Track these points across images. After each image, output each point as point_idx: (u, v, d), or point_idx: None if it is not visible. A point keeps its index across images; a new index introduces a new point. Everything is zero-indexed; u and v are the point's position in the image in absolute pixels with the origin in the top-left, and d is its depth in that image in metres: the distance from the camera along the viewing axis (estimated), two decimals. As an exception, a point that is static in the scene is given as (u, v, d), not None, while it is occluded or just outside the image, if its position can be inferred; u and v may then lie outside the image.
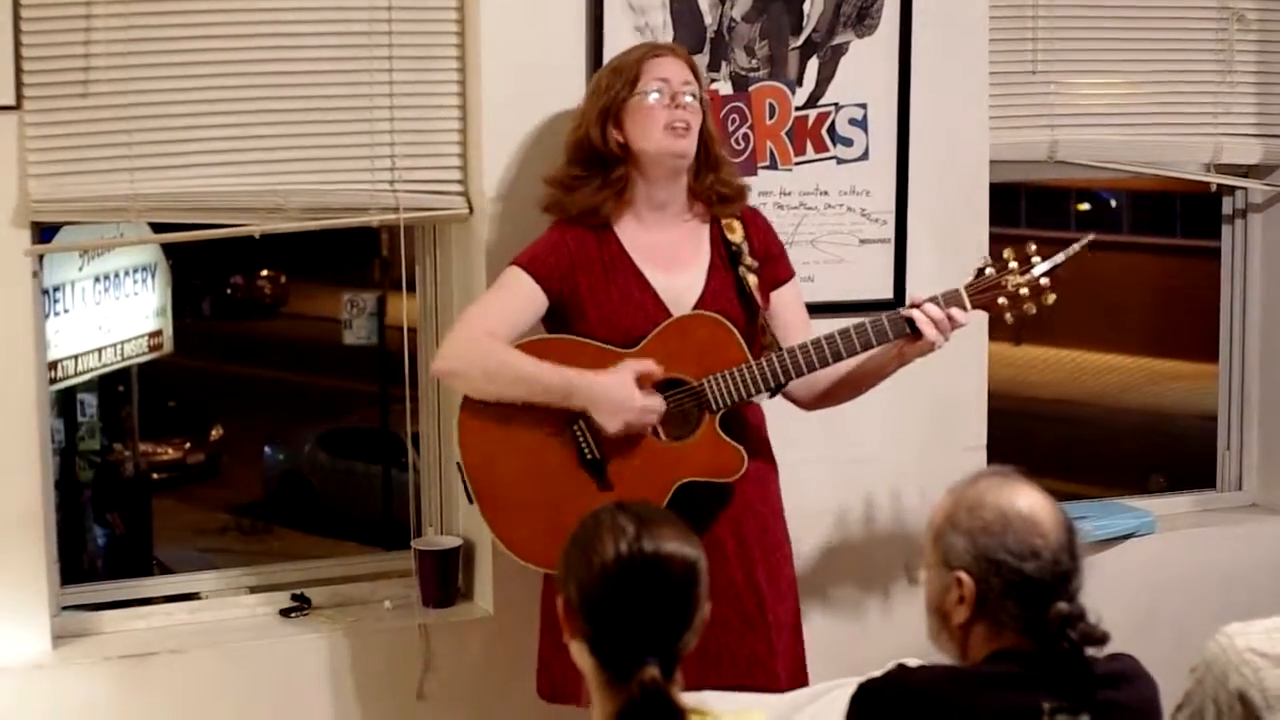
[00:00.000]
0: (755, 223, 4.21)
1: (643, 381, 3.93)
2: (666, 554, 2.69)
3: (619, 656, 2.66)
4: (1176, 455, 13.65)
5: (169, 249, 11.63)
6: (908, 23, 4.74)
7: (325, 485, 18.15)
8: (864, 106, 4.74)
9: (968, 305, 3.97)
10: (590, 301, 4.02)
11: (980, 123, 4.92)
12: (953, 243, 4.87)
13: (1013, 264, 3.96)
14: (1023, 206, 20.60)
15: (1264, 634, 3.08)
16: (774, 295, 4.18)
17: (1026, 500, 2.89)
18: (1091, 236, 4.04)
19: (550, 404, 3.95)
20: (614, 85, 4.04)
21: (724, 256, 4.11)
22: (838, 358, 3.98)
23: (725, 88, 4.59)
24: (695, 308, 4.04)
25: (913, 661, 3.10)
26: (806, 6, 4.64)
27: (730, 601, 4.03)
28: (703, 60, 4.52)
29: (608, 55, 4.40)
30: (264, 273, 26.80)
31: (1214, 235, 5.69)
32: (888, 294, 4.76)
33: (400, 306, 4.71)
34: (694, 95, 4.04)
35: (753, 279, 4.10)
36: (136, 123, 4.19)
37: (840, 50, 4.69)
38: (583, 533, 2.75)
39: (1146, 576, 5.20)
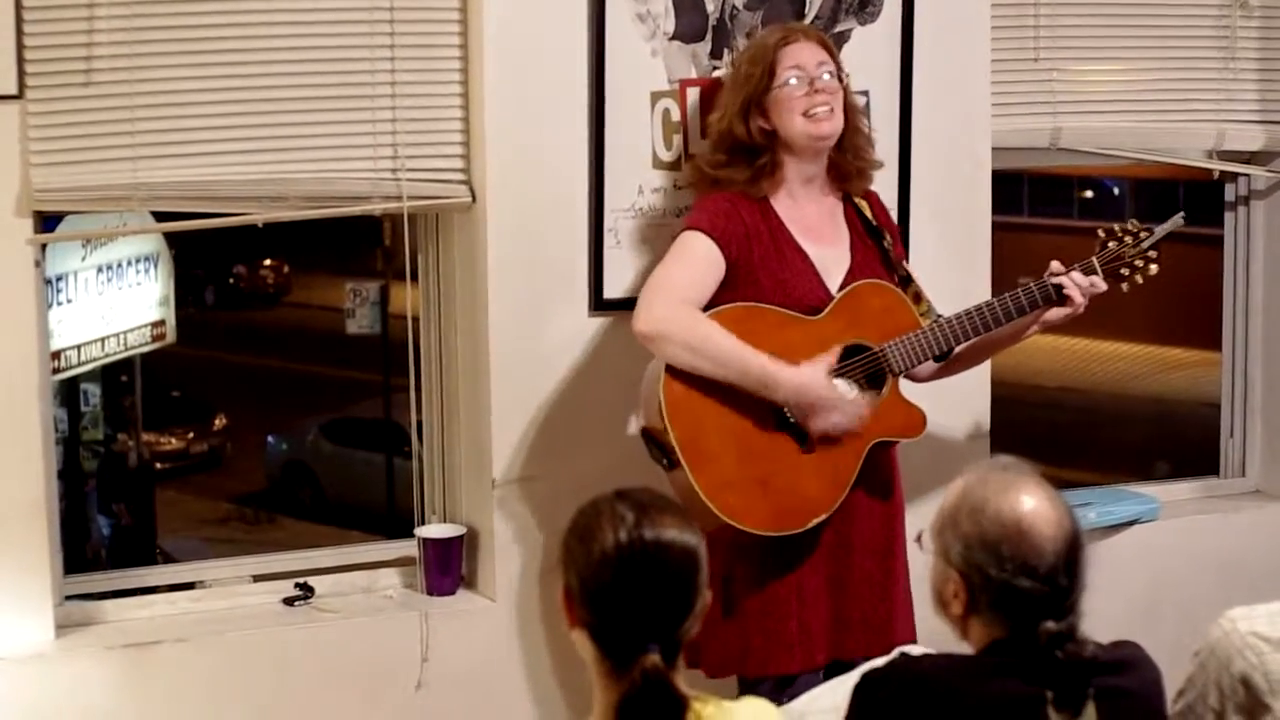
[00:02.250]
0: (878, 203, 4.38)
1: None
2: (666, 541, 2.68)
3: (620, 644, 2.66)
4: (1180, 442, 13.66)
5: (172, 238, 11.61)
6: (909, 10, 4.74)
7: (328, 474, 18.18)
8: (866, 94, 4.73)
9: (1100, 273, 4.23)
10: (764, 270, 4.12)
11: (982, 110, 4.92)
12: (955, 230, 4.88)
13: (1127, 237, 4.25)
14: (1025, 193, 20.59)
15: (1267, 618, 3.09)
16: None
17: (1029, 509, 2.84)
18: (1182, 214, 4.32)
19: (745, 388, 4.02)
20: (753, 76, 4.16)
21: (862, 233, 4.27)
22: (998, 323, 4.19)
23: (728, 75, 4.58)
24: (846, 279, 4.19)
25: (915, 650, 3.10)
26: (808, -6, 4.65)
27: (878, 560, 4.23)
28: (704, 49, 4.53)
29: (610, 42, 4.41)
30: (267, 262, 26.81)
31: (1217, 222, 5.68)
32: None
33: (403, 295, 4.71)
34: (830, 74, 4.16)
35: (891, 253, 4.28)
36: (139, 111, 4.19)
37: (842, 38, 4.69)
38: (582, 521, 2.75)
39: (1150, 563, 5.20)
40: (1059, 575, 2.83)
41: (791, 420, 4.07)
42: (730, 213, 4.14)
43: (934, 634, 3.12)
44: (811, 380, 4.02)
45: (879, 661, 3.06)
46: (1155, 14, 5.19)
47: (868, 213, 4.28)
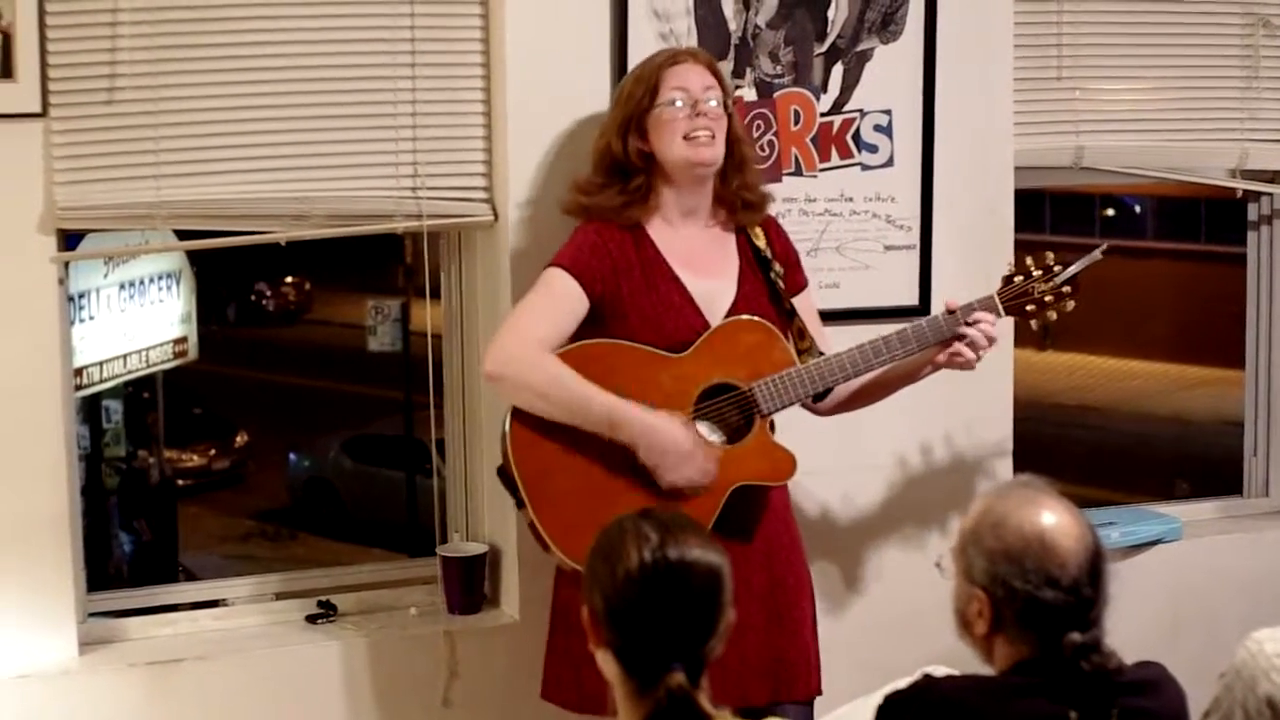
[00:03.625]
0: (776, 230, 4.25)
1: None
2: (691, 561, 2.69)
3: (645, 664, 2.66)
4: (1202, 461, 13.64)
5: (194, 255, 11.64)
6: (932, 28, 4.74)
7: (350, 492, 18.18)
8: (889, 113, 4.73)
9: (1001, 312, 4.09)
10: (631, 305, 4.01)
11: (1005, 128, 4.92)
12: (978, 249, 4.87)
13: (1036, 272, 4.11)
14: (1047, 212, 20.59)
15: (1292, 640, 3.08)
16: (793, 302, 4.19)
17: (1051, 523, 2.86)
18: (1105, 245, 4.21)
19: (595, 431, 3.91)
20: (635, 94, 4.06)
21: (752, 262, 4.13)
22: (882, 362, 4.04)
23: (750, 94, 4.59)
24: (729, 312, 4.04)
25: (939, 671, 3.10)
26: (831, 12, 4.64)
27: (759, 603, 4.06)
28: (727, 67, 4.52)
29: (632, 62, 4.40)
30: (288, 279, 26.85)
31: (1240, 241, 5.68)
32: (913, 300, 4.75)
33: (424, 313, 4.72)
34: (717, 100, 4.05)
35: (782, 285, 4.13)
36: (162, 130, 4.20)
37: (865, 56, 4.69)
38: (606, 541, 2.76)
39: (1173, 583, 5.18)
40: (1082, 586, 2.83)
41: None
42: (597, 247, 4.03)
43: (950, 656, 3.11)
44: (663, 425, 3.90)
45: (902, 683, 3.05)
46: (1178, 33, 5.18)
47: (760, 242, 4.15)
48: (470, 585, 4.58)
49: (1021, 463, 4.89)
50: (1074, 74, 5.06)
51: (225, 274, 22.64)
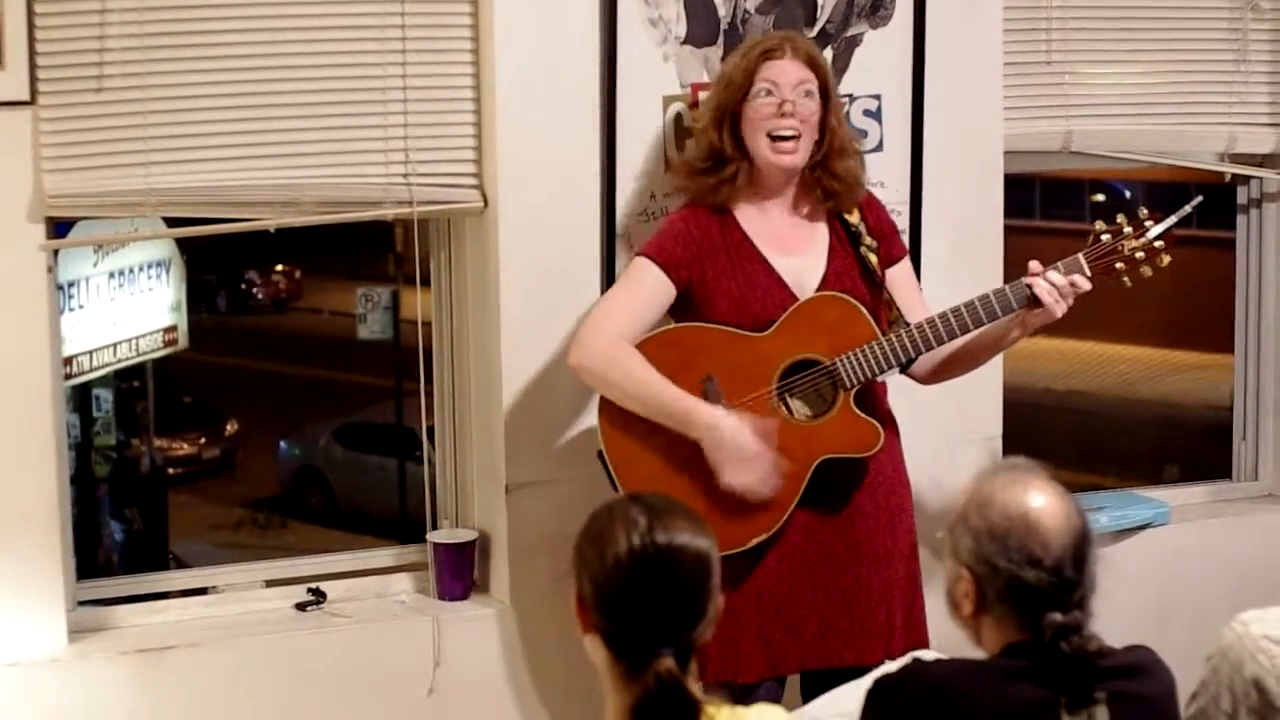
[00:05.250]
0: (870, 203, 4.29)
1: (763, 434, 3.98)
2: (679, 545, 2.68)
3: (633, 649, 2.65)
4: (1192, 446, 13.65)
5: (184, 244, 11.61)
6: (922, 13, 4.74)
7: (340, 479, 18.14)
8: (878, 98, 4.73)
9: (1088, 271, 4.05)
10: (718, 289, 4.08)
11: (995, 113, 4.92)
12: (967, 233, 4.87)
13: (1127, 228, 4.06)
14: (1037, 197, 20.58)
15: (1279, 622, 3.08)
16: (888, 273, 4.24)
17: (1037, 503, 2.86)
18: (1200, 198, 4.16)
19: (665, 424, 4.02)
20: (734, 81, 4.10)
21: (842, 238, 4.18)
22: (964, 330, 4.06)
23: (739, 79, 4.58)
24: (819, 289, 4.10)
25: (928, 655, 3.10)
26: (820, -2, 4.64)
27: (874, 569, 4.14)
28: (716, 53, 4.52)
29: (621, 47, 4.41)
30: (279, 268, 26.79)
31: (1229, 225, 5.68)
32: (903, 285, 4.76)
33: (415, 300, 4.71)
34: (810, 93, 4.07)
35: (874, 258, 4.17)
36: (152, 117, 4.20)
37: (854, 41, 4.69)
38: (594, 526, 2.75)
39: (1162, 567, 5.19)
40: (1065, 567, 2.83)
41: None
42: (682, 234, 4.11)
43: (955, 643, 3.12)
44: (728, 426, 3.96)
45: (892, 667, 3.05)
46: (1167, 17, 5.19)
47: (852, 217, 4.19)
48: (460, 572, 4.59)
49: (1011, 448, 4.90)
50: (1063, 58, 5.07)
51: (215, 262, 22.57)
